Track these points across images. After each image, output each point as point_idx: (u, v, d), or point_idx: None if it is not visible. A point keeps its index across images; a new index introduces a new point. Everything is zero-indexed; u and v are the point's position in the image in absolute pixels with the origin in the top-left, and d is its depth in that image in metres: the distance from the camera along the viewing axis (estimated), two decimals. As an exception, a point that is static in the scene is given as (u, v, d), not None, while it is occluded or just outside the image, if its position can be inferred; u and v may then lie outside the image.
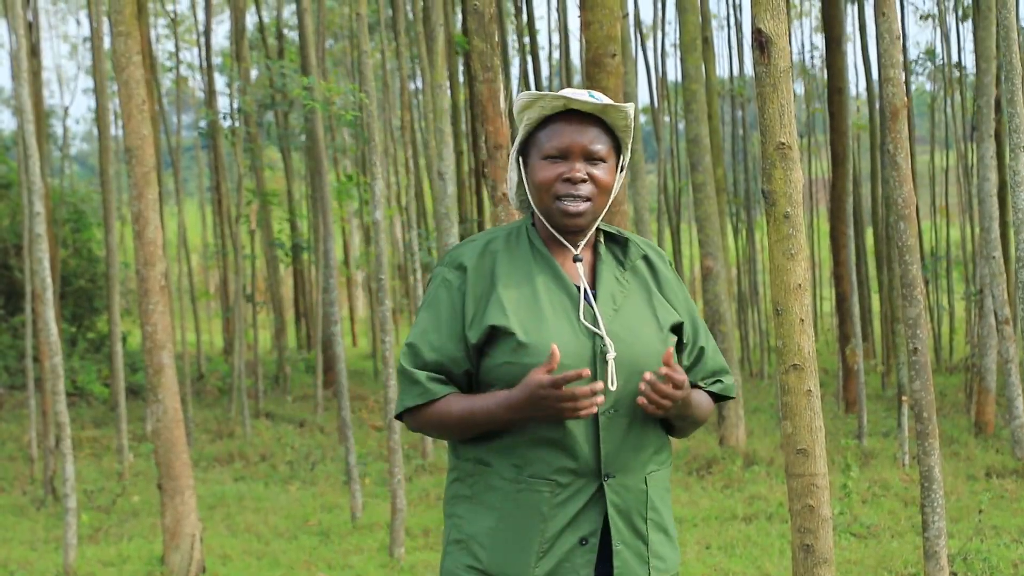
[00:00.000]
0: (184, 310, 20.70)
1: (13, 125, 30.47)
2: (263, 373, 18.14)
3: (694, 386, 3.08)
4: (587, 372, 2.78)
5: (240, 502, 10.29)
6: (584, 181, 2.97)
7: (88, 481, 11.17)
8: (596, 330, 2.92)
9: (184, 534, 7.51)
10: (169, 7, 21.48)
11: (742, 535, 8.37)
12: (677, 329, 3.06)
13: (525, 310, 2.92)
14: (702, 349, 3.10)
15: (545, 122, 3.03)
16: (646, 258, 3.11)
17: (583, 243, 3.04)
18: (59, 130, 30.28)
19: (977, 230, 15.59)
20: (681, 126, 20.79)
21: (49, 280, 7.99)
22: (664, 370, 2.85)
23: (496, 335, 2.91)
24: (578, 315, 2.94)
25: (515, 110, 3.06)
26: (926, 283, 17.48)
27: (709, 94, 13.73)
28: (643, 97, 25.46)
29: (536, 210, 3.05)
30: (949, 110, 19.72)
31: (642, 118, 17.54)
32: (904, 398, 10.06)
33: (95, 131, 21.17)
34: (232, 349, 16.96)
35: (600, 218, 3.04)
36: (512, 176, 3.12)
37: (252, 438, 13.56)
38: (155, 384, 7.33)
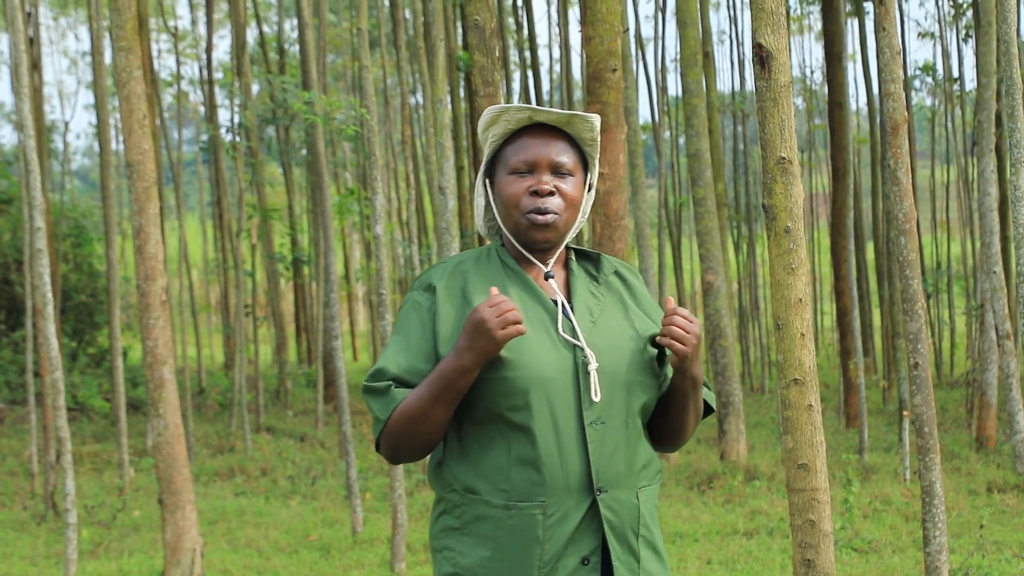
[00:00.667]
0: (185, 325, 20.71)
1: (14, 140, 30.52)
2: (264, 388, 18.13)
3: None
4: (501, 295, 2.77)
5: (241, 517, 10.27)
6: (552, 194, 2.93)
7: (89, 496, 11.15)
8: (576, 342, 2.88)
9: (185, 549, 7.50)
10: (170, 22, 21.52)
11: (743, 550, 8.35)
12: (656, 341, 3.02)
13: None
14: None
15: (511, 138, 3.00)
16: (618, 273, 3.08)
17: (553, 260, 3.00)
18: (60, 145, 30.33)
19: (978, 244, 15.61)
20: (682, 141, 20.82)
21: (50, 295, 7.99)
22: (668, 307, 2.86)
23: None
24: (556, 328, 2.90)
25: (480, 129, 3.02)
26: (927, 298, 17.48)
27: (710, 109, 13.75)
28: (644, 111, 25.55)
29: (504, 228, 3.00)
30: (949, 125, 19.76)
31: (642, 135, 17.56)
32: (905, 413, 10.05)
33: (96, 146, 21.17)
34: (233, 363, 16.97)
35: (570, 234, 3.01)
36: (479, 201, 3.08)
37: (253, 453, 13.54)
38: (156, 399, 7.32)
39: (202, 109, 24.33)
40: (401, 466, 8.23)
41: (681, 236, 19.85)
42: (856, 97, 27.86)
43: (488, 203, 3.06)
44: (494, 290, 2.77)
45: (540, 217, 2.92)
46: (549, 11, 22.89)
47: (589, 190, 3.06)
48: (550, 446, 2.82)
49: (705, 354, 17.24)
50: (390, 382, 2.88)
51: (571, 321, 2.91)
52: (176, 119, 20.95)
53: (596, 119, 2.99)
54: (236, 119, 16.73)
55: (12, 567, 8.70)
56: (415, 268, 12.99)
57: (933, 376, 17.86)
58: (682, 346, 2.86)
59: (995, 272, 9.78)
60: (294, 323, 23.36)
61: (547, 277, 2.97)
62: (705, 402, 3.13)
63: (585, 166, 3.04)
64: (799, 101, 24.85)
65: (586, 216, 3.08)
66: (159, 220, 7.56)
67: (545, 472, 2.81)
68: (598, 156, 3.06)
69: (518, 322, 2.74)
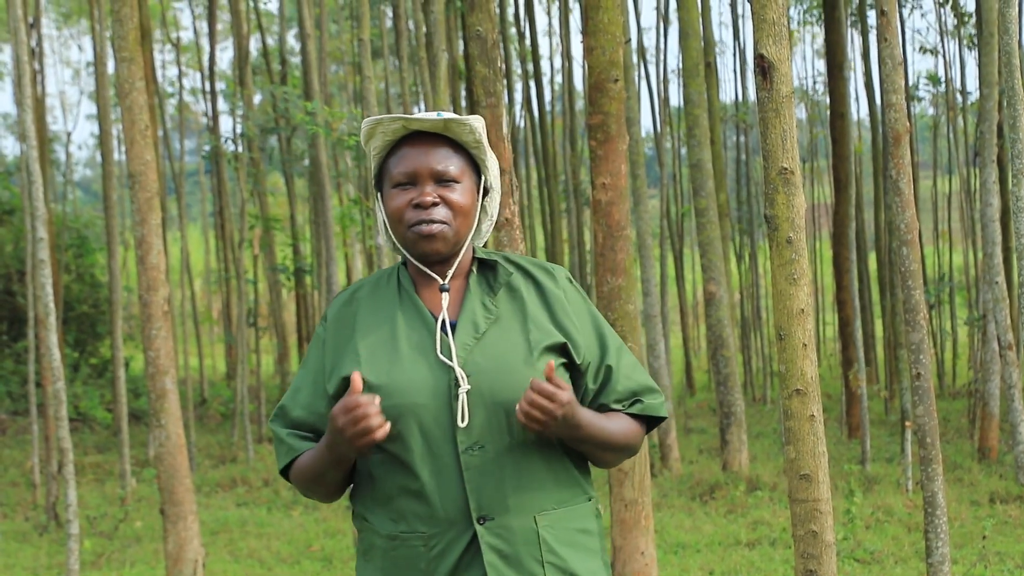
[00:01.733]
0: (187, 335, 20.69)
1: (17, 151, 30.57)
2: (266, 398, 18.12)
3: (611, 409, 2.86)
4: (370, 399, 2.61)
5: (243, 527, 10.27)
6: (436, 204, 2.79)
7: (91, 507, 11.15)
8: (449, 363, 2.73)
9: (187, 560, 7.49)
10: (173, 33, 21.54)
11: (745, 561, 8.34)
12: (563, 350, 2.83)
13: (381, 353, 2.77)
14: (609, 368, 2.86)
15: (393, 148, 2.87)
16: (530, 276, 2.91)
17: (451, 272, 2.85)
18: (62, 156, 30.38)
19: (980, 255, 15.60)
20: (684, 151, 20.83)
21: (52, 306, 7.99)
22: (533, 380, 2.65)
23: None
24: (435, 350, 2.76)
25: (362, 142, 2.90)
26: (929, 308, 17.48)
27: (712, 119, 13.75)
28: (646, 122, 25.60)
29: (397, 244, 2.87)
30: (951, 135, 19.77)
31: (645, 145, 17.59)
32: (907, 423, 10.04)
33: (98, 157, 21.21)
34: (235, 374, 16.96)
35: (466, 242, 2.87)
36: (378, 214, 2.92)
37: (255, 463, 13.54)
38: (158, 409, 7.32)
39: (204, 119, 24.36)
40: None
41: (683, 246, 19.86)
42: (858, 108, 27.87)
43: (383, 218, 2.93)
44: (356, 379, 2.65)
45: (425, 228, 2.78)
46: (551, 22, 22.91)
47: (487, 193, 2.93)
48: (426, 475, 2.71)
49: (707, 364, 17.21)
50: (287, 431, 2.85)
51: (448, 340, 2.77)
52: (178, 129, 20.97)
53: (475, 121, 2.83)
54: (238, 129, 16.74)
55: (14, 578, 8.70)
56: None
57: (935, 386, 17.84)
58: (533, 425, 2.67)
59: (997, 283, 9.78)
60: (296, 333, 23.32)
61: (442, 290, 2.84)
62: (644, 415, 2.93)
63: (478, 169, 2.91)
64: (800, 111, 24.86)
65: (493, 219, 2.97)
66: (161, 230, 7.57)
67: (424, 502, 2.71)
68: (489, 157, 2.91)
69: (371, 431, 2.60)
